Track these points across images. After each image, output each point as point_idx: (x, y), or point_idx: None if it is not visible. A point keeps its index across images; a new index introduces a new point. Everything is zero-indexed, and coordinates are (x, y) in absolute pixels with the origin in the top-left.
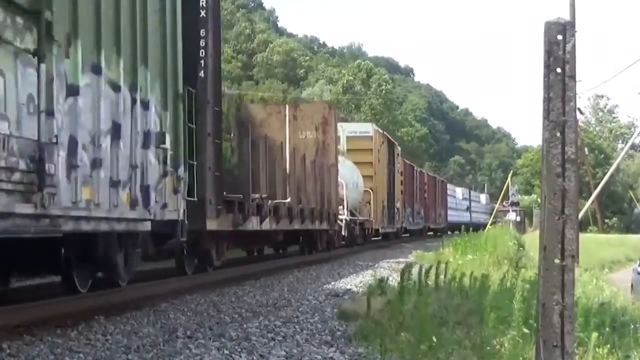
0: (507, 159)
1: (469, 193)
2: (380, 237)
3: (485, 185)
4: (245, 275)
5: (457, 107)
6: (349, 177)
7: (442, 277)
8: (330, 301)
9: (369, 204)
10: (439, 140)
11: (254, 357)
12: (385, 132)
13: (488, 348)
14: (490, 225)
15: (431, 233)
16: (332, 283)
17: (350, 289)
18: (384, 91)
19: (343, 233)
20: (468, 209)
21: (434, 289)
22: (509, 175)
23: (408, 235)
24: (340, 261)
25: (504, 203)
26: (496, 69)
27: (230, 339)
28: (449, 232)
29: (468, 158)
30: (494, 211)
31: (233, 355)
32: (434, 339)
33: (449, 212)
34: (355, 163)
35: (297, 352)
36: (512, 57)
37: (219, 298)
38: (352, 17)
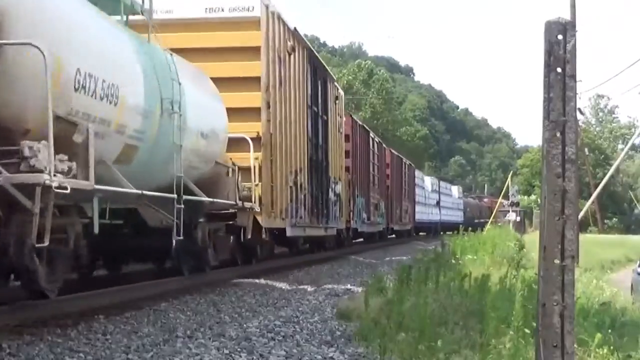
0: (507, 159)
1: (439, 184)
2: (307, 247)
3: (486, 185)
4: (245, 274)
5: (457, 107)
6: (156, 91)
7: (441, 277)
8: (330, 301)
9: (252, 171)
10: (439, 141)
11: (254, 357)
12: (304, 36)
13: (488, 348)
14: (490, 225)
15: (393, 236)
16: (332, 283)
17: (350, 289)
18: (384, 91)
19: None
20: (437, 204)
21: (434, 288)
22: (509, 176)
23: (362, 240)
24: (341, 261)
25: (503, 203)
26: (496, 69)
27: (230, 338)
28: (414, 234)
29: (468, 158)
30: (494, 211)
31: (233, 355)
32: (434, 339)
33: (416, 207)
34: (217, 81)
35: (297, 351)
36: (513, 57)
37: (219, 298)
38: (353, 17)
